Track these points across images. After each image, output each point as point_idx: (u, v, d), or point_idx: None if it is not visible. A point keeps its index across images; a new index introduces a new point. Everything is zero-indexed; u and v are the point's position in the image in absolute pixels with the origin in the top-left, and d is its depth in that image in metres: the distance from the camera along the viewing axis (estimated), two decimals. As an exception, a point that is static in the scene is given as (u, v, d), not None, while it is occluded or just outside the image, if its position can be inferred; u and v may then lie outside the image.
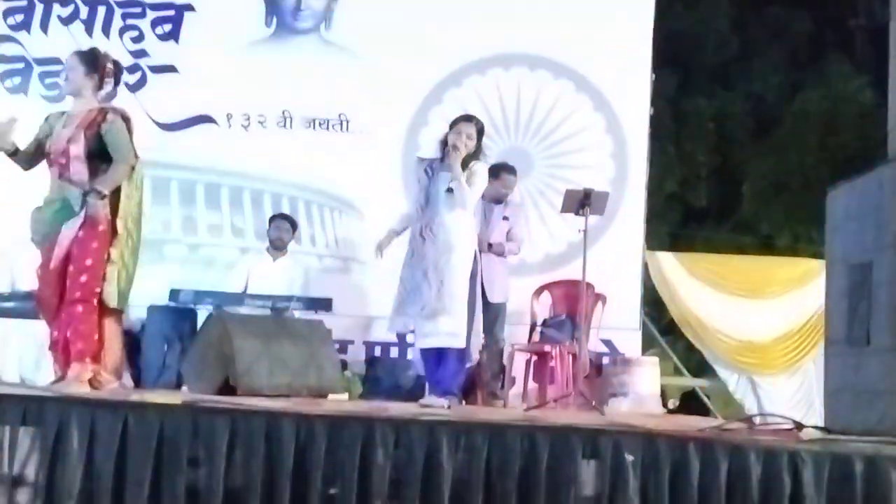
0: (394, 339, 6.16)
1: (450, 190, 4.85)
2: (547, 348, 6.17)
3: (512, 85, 7.29)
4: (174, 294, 6.03)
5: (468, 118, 4.99)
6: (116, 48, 6.77)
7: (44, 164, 4.62)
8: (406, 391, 6.02)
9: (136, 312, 6.09)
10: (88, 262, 4.43)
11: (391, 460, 3.43)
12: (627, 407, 6.22)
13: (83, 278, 4.42)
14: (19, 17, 7.41)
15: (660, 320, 8.58)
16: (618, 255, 7.00)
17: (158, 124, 7.17)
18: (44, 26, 7.36)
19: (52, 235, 4.46)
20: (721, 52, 11.84)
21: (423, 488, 3.41)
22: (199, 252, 7.29)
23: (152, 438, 3.46)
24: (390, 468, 3.43)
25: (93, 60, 4.63)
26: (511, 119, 7.29)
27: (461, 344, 4.78)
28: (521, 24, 7.27)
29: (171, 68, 7.33)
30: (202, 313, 5.94)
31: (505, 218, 6.12)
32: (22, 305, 5.78)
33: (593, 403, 5.19)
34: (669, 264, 7.68)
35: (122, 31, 7.35)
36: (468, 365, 4.99)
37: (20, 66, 7.38)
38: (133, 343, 6.05)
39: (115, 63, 4.75)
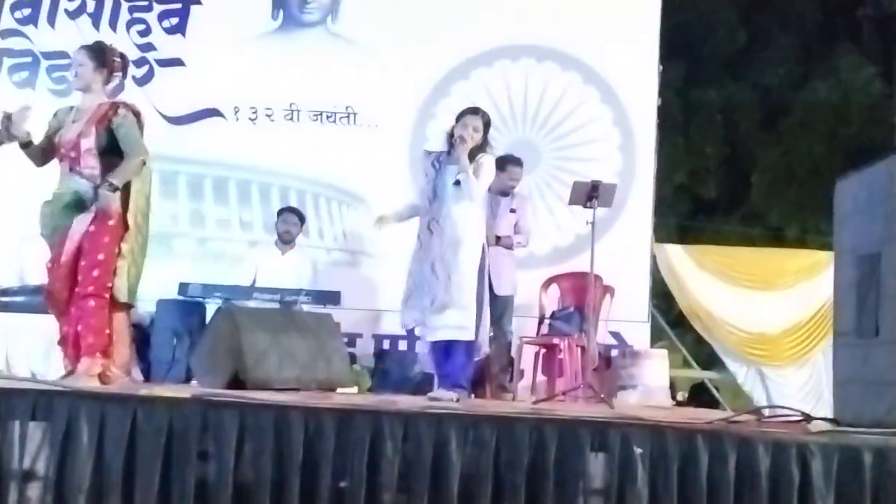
0: (402, 332, 6.15)
1: (457, 182, 4.85)
2: (555, 341, 6.16)
3: (519, 77, 7.29)
4: (183, 288, 6.04)
5: (474, 110, 4.99)
6: (123, 42, 6.81)
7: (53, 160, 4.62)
8: (415, 384, 6.03)
9: (146, 307, 6.11)
10: (100, 256, 4.43)
11: (400, 453, 3.43)
12: (636, 399, 6.22)
13: (95, 272, 4.42)
14: (26, 12, 7.44)
15: (668, 312, 8.57)
16: (626, 248, 7.00)
17: (166, 118, 7.19)
18: (51, 20, 7.38)
19: (61, 229, 4.46)
20: (729, 43, 11.78)
21: (431, 481, 3.40)
22: (208, 246, 7.32)
23: (162, 433, 3.46)
24: (399, 461, 3.42)
25: (101, 55, 4.63)
26: (518, 111, 7.29)
27: (470, 337, 4.79)
28: (529, 15, 7.27)
29: (178, 62, 7.35)
30: (211, 307, 5.96)
31: (512, 210, 6.11)
32: (31, 300, 5.80)
33: (602, 396, 5.18)
34: (678, 256, 7.68)
35: (129, 25, 7.38)
36: (477, 359, 4.99)
37: (28, 60, 7.42)
38: (142, 337, 6.09)
39: (122, 56, 4.76)
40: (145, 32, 7.36)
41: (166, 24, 7.39)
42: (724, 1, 11.80)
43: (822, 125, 11.11)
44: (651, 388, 6.35)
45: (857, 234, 4.18)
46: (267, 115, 7.31)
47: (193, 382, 5.32)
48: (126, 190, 4.49)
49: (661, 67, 7.31)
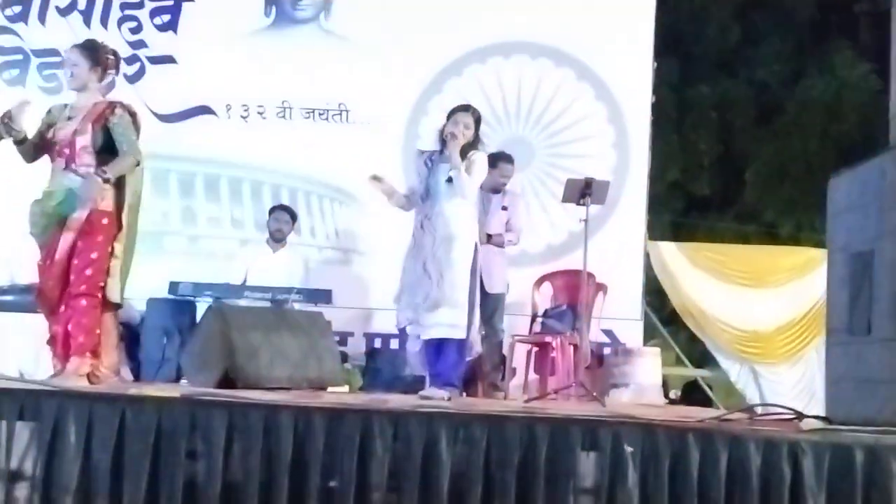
0: (394, 330, 6.13)
1: (449, 180, 4.83)
2: (548, 339, 6.16)
3: (513, 74, 7.27)
4: (173, 286, 6.01)
5: (465, 107, 4.99)
6: (114, 39, 6.75)
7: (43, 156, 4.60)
8: (406, 383, 6.00)
9: (136, 305, 6.10)
10: (94, 255, 4.42)
11: (390, 452, 3.41)
12: (628, 398, 6.21)
13: (88, 272, 4.41)
14: (17, 9, 7.40)
15: (661, 310, 8.55)
16: (619, 245, 6.98)
17: (157, 115, 7.14)
18: (42, 17, 7.35)
19: (52, 228, 4.45)
20: (723, 40, 11.76)
21: (421, 480, 3.39)
22: (199, 244, 7.30)
23: (150, 432, 3.44)
24: (389, 460, 3.41)
25: (94, 53, 4.62)
26: (512, 108, 7.27)
27: (462, 335, 4.78)
28: (522, 12, 7.25)
29: (169, 59, 7.32)
30: (201, 306, 5.93)
31: (504, 208, 6.10)
32: (21, 299, 5.77)
33: (594, 394, 5.17)
34: (671, 254, 7.67)
35: (120, 22, 7.34)
36: (469, 358, 4.98)
37: (18, 57, 7.38)
38: (132, 336, 6.08)
39: (115, 53, 4.75)
40: (137, 30, 7.32)
41: (158, 21, 7.36)
42: (718, -3, 11.80)
43: (816, 122, 11.10)
44: (644, 386, 6.34)
45: (849, 231, 4.17)
46: (259, 113, 7.28)
47: (184, 382, 5.31)
48: (120, 189, 4.49)
49: (656, 64, 7.30)
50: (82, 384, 4.25)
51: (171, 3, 7.36)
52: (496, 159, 5.97)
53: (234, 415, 3.47)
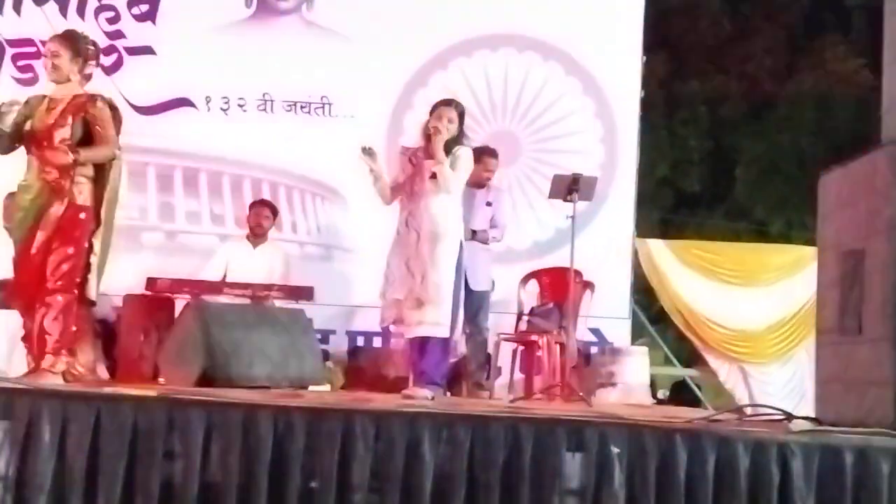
0: (377, 328, 6.08)
1: (433, 176, 4.77)
2: (534, 338, 6.10)
3: (499, 67, 7.23)
4: (151, 283, 5.92)
5: (448, 101, 4.93)
6: (91, 29, 6.58)
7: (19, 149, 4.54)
8: (389, 382, 5.95)
9: (112, 302, 6.03)
10: (70, 250, 4.38)
11: (372, 453, 3.37)
12: (616, 397, 6.19)
13: (64, 267, 4.36)
14: (-9, -1, 7.31)
15: (649, 309, 8.54)
16: (607, 242, 6.97)
17: (135, 108, 7.03)
18: (17, 7, 7.23)
19: (28, 222, 4.40)
20: (714, 33, 11.75)
21: (404, 481, 3.35)
22: (177, 239, 7.22)
23: (126, 431, 3.41)
24: (371, 461, 3.37)
25: (75, 44, 4.56)
26: (498, 102, 7.23)
27: (445, 333, 4.74)
28: (509, 4, 7.23)
29: (148, 50, 7.23)
30: (180, 302, 5.85)
31: (488, 203, 6.05)
32: (-6, 295, 5.67)
33: (580, 394, 5.12)
34: (660, 251, 7.65)
35: (97, 12, 7.24)
36: (453, 360, 4.93)
37: (-8, 47, 7.29)
38: (109, 333, 6.02)
39: (94, 44, 4.70)
40: (114, 20, 7.22)
41: (136, 10, 7.26)
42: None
43: (807, 118, 11.11)
44: (631, 386, 6.32)
45: (840, 229, 4.14)
46: (239, 106, 7.20)
47: (161, 380, 5.24)
48: (99, 184, 4.46)
49: (645, 58, 7.28)
50: (57, 382, 4.21)
51: (150, -8, 7.30)
52: (480, 154, 5.90)
53: (212, 414, 3.43)
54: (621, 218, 7.13)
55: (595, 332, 6.88)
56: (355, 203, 6.89)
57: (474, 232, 5.85)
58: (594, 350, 6.74)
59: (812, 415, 4.20)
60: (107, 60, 6.94)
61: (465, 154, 4.87)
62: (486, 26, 7.20)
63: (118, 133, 4.56)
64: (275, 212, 6.67)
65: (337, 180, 7.11)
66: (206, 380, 4.70)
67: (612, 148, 7.18)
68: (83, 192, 4.42)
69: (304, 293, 5.93)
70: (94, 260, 4.45)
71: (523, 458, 3.34)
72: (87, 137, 4.44)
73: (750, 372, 7.54)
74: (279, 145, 7.16)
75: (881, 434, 3.43)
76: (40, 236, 4.35)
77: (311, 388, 5.15)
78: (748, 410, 4.53)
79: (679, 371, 8.40)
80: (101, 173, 4.49)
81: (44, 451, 3.39)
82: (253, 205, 6.69)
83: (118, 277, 4.91)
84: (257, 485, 3.35)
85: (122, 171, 4.62)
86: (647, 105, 7.45)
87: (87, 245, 4.43)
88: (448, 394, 5.32)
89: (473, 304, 5.61)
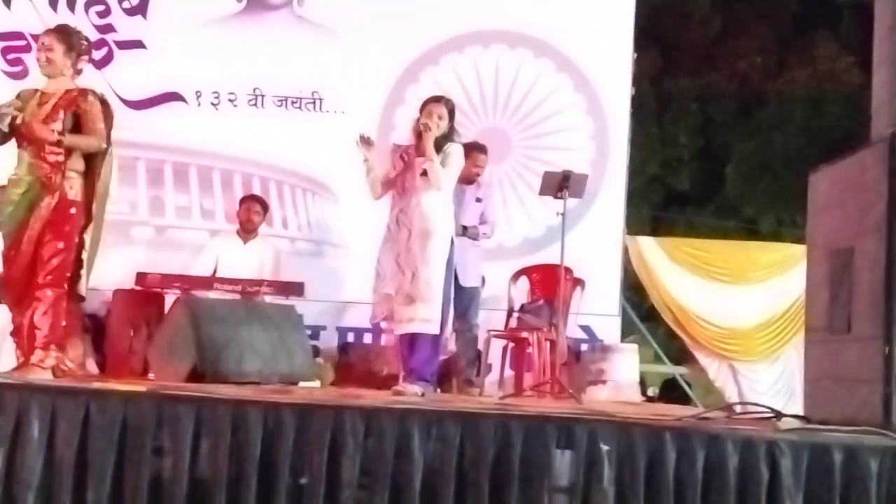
0: (367, 325, 6.07)
1: (424, 173, 4.76)
2: (524, 335, 6.09)
3: (491, 63, 7.21)
4: (141, 278, 5.90)
5: (437, 98, 4.92)
6: (82, 23, 6.56)
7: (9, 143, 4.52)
8: (379, 378, 5.94)
9: (102, 297, 6.01)
10: (60, 245, 4.37)
11: (361, 449, 3.38)
12: (606, 395, 6.18)
13: (54, 262, 4.36)
14: (-21, -9, 7.26)
15: (639, 306, 8.54)
16: (597, 239, 6.95)
17: (125, 102, 7.00)
18: (6, 0, 7.17)
19: (18, 216, 4.38)
20: (704, 31, 11.77)
21: (393, 478, 3.36)
22: (167, 234, 7.18)
23: (115, 427, 3.41)
24: (361, 457, 3.37)
25: (69, 38, 4.55)
26: (489, 99, 7.22)
27: (435, 330, 4.73)
28: (502, 0, 7.20)
29: (138, 44, 7.19)
30: (170, 298, 5.83)
31: (478, 200, 6.03)
32: (-17, 290, 5.64)
33: (570, 391, 5.12)
34: (650, 249, 7.65)
35: (87, 6, 7.20)
36: (443, 357, 4.92)
37: (-19, 40, 7.24)
38: (98, 328, 6.01)
39: (87, 39, 4.70)
40: (104, 13, 7.19)
41: (126, 4, 7.22)
42: (699, -12, 11.79)
43: (798, 116, 11.13)
44: (621, 383, 6.31)
45: (830, 228, 4.14)
46: (230, 100, 7.17)
47: (151, 375, 5.23)
48: (90, 179, 4.45)
49: (636, 55, 7.27)
50: (46, 377, 4.19)
51: (140, -14, 7.26)
52: (469, 149, 5.85)
53: (202, 410, 3.44)
54: (612, 215, 7.12)
55: (585, 329, 6.87)
56: (346, 199, 6.87)
57: (464, 228, 5.83)
58: (584, 347, 6.72)
59: (801, 413, 4.21)
60: (97, 54, 6.86)
61: (455, 151, 4.86)
62: (478, 23, 7.18)
63: (109, 128, 4.55)
64: (265, 207, 6.63)
65: (328, 176, 7.09)
66: (195, 375, 4.69)
67: (603, 145, 7.17)
68: (74, 187, 4.41)
69: (295, 289, 5.91)
70: (84, 255, 4.44)
71: (513, 455, 3.35)
72: (77, 131, 4.43)
73: (739, 370, 7.54)
74: (270, 140, 7.13)
75: (870, 432, 3.44)
76: (30, 231, 4.35)
77: (300, 384, 5.16)
78: (737, 408, 4.53)
79: (669, 368, 8.41)
80: (91, 168, 4.48)
81: (33, 447, 3.39)
82: (243, 200, 6.66)
83: (108, 272, 4.90)
84: (247, 481, 3.35)
85: (112, 167, 4.60)
86: (637, 102, 7.43)
87: (77, 240, 4.42)
88: (438, 390, 5.30)
89: (463, 300, 5.60)
